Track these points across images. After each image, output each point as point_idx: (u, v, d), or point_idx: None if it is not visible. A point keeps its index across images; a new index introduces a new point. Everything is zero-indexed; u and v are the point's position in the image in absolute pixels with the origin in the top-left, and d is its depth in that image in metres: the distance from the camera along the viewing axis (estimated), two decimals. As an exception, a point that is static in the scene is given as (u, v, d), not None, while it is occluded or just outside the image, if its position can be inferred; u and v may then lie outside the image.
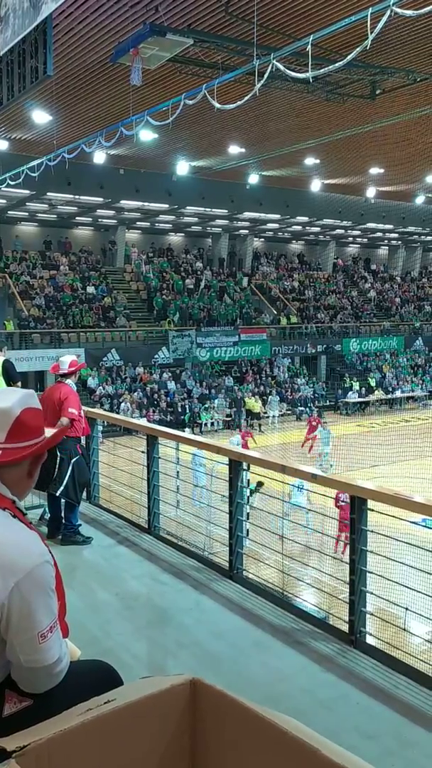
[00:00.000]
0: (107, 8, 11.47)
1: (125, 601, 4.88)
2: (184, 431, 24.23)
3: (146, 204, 28.41)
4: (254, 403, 27.95)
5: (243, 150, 22.01)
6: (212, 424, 26.82)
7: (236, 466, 5.33)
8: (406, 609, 4.46)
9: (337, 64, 9.73)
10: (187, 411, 26.50)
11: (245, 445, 18.75)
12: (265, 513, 7.04)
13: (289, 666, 3.97)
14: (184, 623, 4.52)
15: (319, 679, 3.80)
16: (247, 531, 6.55)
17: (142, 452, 6.85)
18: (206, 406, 26.92)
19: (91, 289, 30.59)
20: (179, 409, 26.45)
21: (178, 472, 8.70)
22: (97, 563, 5.76)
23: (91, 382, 26.69)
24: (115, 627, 4.43)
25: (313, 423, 23.01)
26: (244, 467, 5.60)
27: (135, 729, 1.25)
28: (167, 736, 1.28)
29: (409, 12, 9.14)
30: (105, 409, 23.67)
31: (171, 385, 28.00)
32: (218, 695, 1.24)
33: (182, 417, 26.12)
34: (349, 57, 8.97)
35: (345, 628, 4.27)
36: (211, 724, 1.24)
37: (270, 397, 28.49)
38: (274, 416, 27.81)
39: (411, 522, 4.99)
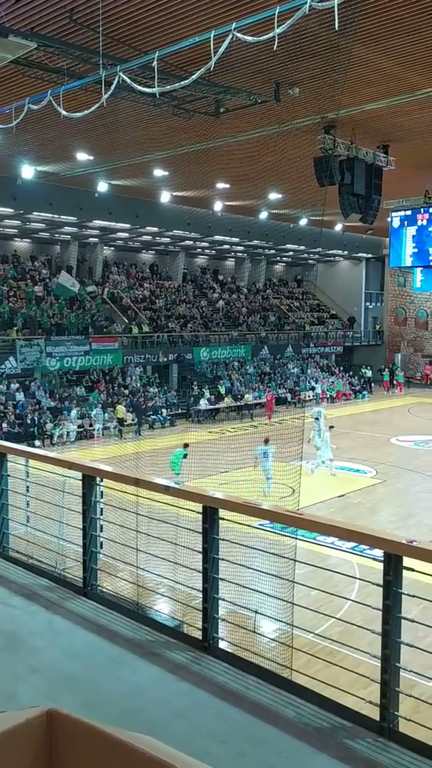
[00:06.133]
0: None
1: (-29, 629, 4.64)
2: (34, 444, 23.52)
3: (-11, 208, 27.21)
4: (121, 409, 27.98)
5: (91, 157, 21.80)
6: (68, 434, 26.17)
7: (89, 481, 5.28)
8: (255, 612, 4.65)
9: (182, 83, 9.98)
10: (36, 423, 25.63)
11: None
12: (117, 525, 7.00)
13: (144, 678, 3.99)
14: (36, 646, 4.39)
15: (174, 688, 3.87)
16: (101, 544, 6.49)
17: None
18: (56, 421, 26.22)
19: None
20: (28, 422, 25.52)
21: (27, 487, 8.42)
22: None
23: None
24: (-40, 658, 4.21)
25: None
26: (98, 481, 5.56)
27: (-12, 769, 1.22)
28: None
29: (249, 38, 9.62)
30: None
31: (20, 396, 26.95)
32: (75, 724, 1.24)
33: (31, 429, 25.22)
34: (194, 77, 9.24)
35: (198, 635, 4.37)
36: (71, 755, 1.24)
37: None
38: (99, 428, 27.42)
39: (259, 526, 5.23)
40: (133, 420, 28.31)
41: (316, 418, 22.18)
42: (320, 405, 31.42)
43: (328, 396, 37.85)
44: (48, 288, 32.76)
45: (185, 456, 16.82)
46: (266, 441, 18.08)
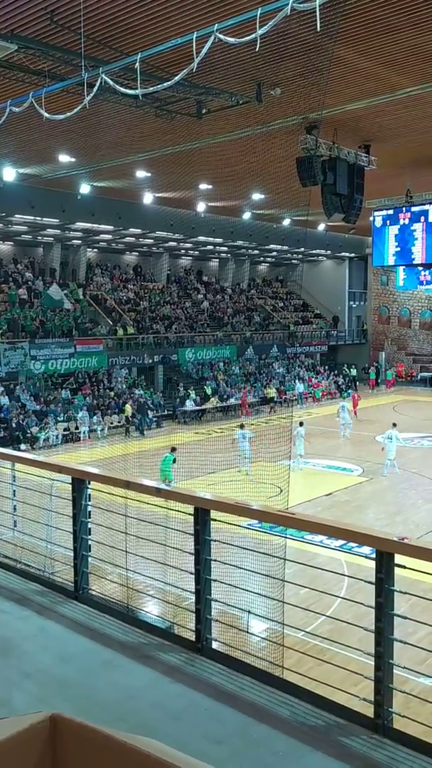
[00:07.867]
0: None
1: (-37, 635, 4.61)
2: (19, 448, 23.36)
3: (-30, 210, 27.01)
4: (128, 408, 28.46)
5: (73, 159, 21.72)
6: (56, 437, 26.01)
7: (79, 484, 5.26)
8: (248, 612, 4.66)
9: (165, 84, 9.96)
10: (22, 427, 25.46)
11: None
12: (106, 528, 6.98)
13: (138, 681, 3.99)
14: (29, 651, 4.37)
15: (168, 690, 3.86)
16: (89, 547, 6.47)
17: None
18: (42, 425, 26.06)
19: None
20: (13, 425, 25.34)
21: (14, 491, 8.37)
22: None
23: None
24: None
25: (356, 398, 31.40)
26: (87, 485, 5.54)
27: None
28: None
29: (231, 39, 9.62)
30: None
31: (4, 400, 26.76)
32: (79, 728, 1.24)
33: (16, 433, 25.05)
34: (177, 78, 9.24)
35: (191, 636, 4.37)
36: (75, 759, 1.24)
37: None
38: (85, 431, 27.25)
39: (247, 526, 5.24)
40: (138, 419, 28.41)
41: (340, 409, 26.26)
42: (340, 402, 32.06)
43: (311, 395, 37.99)
44: (33, 292, 32.58)
45: (174, 461, 16.81)
46: (241, 426, 21.07)
